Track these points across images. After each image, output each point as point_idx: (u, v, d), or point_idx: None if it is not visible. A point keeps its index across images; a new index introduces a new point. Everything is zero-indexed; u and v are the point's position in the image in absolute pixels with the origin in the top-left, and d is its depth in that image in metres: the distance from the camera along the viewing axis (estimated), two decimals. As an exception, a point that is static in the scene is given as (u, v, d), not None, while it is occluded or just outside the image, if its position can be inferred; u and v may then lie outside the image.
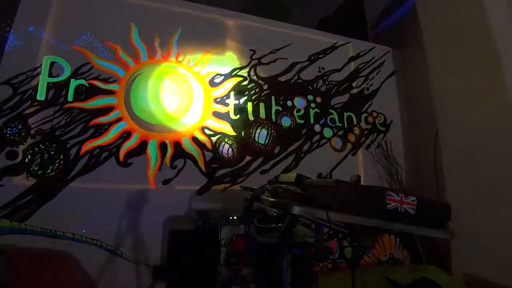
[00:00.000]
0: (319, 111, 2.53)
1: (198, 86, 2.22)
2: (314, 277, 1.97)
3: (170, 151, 2.02)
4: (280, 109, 2.41)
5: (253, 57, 2.44)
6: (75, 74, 1.94)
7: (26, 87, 1.81)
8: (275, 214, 0.99)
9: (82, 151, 1.83)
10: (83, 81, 1.94)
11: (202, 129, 2.14)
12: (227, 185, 2.12)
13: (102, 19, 2.09)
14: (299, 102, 2.49)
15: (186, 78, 2.21)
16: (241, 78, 2.36)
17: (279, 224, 0.94)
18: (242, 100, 2.31)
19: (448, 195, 1.98)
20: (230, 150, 2.17)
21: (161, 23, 2.23)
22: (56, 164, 1.77)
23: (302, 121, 2.45)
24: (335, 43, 2.77)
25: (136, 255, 1.83)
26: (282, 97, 2.44)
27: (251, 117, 2.30)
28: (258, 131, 2.28)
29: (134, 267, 1.82)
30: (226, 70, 2.34)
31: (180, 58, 2.22)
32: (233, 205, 1.99)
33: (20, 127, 1.74)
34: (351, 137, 2.58)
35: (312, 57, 2.64)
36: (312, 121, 2.48)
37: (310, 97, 2.54)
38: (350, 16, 3.06)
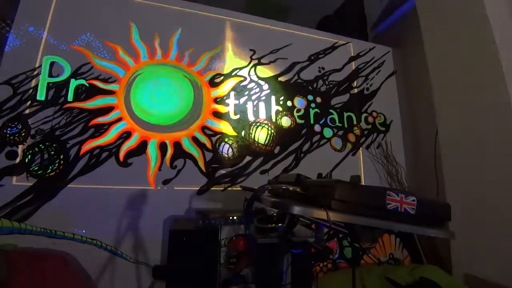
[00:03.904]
0: (319, 111, 2.53)
1: (198, 86, 2.22)
2: (314, 277, 1.97)
3: (170, 151, 2.02)
4: (280, 109, 2.41)
5: (253, 57, 2.44)
6: (75, 74, 1.94)
7: (26, 87, 1.81)
8: (275, 214, 0.99)
9: (82, 151, 1.83)
10: (83, 81, 1.94)
11: (202, 129, 2.14)
12: (227, 185, 2.12)
13: (102, 19, 2.09)
14: (299, 102, 2.49)
15: (186, 78, 2.21)
16: (241, 78, 2.37)
17: (279, 224, 0.94)
18: (242, 100, 2.32)
19: (448, 195, 1.97)
20: (230, 150, 2.18)
21: (161, 23, 2.23)
22: (56, 164, 1.77)
23: (302, 121, 2.45)
24: (335, 43, 2.77)
25: (136, 255, 1.83)
26: (282, 97, 2.45)
27: (251, 117, 2.30)
28: (258, 131, 2.28)
29: (134, 267, 1.82)
30: (226, 70, 2.34)
31: (180, 58, 2.22)
32: (233, 205, 2.00)
33: (20, 127, 1.74)
34: (351, 137, 2.58)
35: (312, 57, 2.64)
36: (312, 121, 2.48)
37: (310, 97, 2.54)
38: (350, 16, 3.05)
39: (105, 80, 1.99)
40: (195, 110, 2.16)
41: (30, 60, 1.85)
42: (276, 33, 2.59)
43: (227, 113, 2.24)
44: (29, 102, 1.80)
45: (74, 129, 1.85)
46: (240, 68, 2.39)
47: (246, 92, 2.35)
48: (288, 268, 0.94)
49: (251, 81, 2.39)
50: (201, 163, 2.08)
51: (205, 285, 1.68)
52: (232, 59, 2.38)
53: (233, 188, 2.12)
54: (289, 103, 2.45)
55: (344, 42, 2.80)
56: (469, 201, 1.78)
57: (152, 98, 2.08)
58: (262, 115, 2.34)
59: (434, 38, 2.16)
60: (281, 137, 2.34)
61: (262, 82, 2.42)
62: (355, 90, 2.73)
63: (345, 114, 2.62)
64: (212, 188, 2.08)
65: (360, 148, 2.59)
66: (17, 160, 1.71)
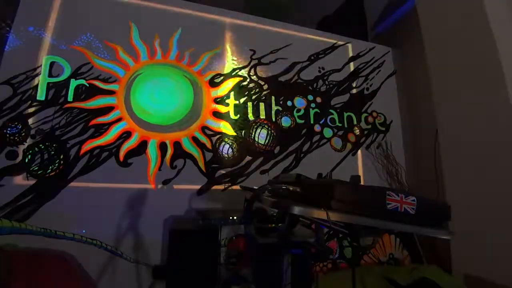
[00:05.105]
0: (319, 111, 2.53)
1: (198, 86, 2.22)
2: (314, 277, 1.97)
3: (170, 151, 2.02)
4: (280, 109, 2.41)
5: (253, 57, 2.44)
6: (75, 74, 1.94)
7: (26, 87, 1.81)
8: (275, 214, 0.99)
9: (82, 151, 1.83)
10: (83, 81, 1.94)
11: (202, 129, 2.14)
12: (227, 185, 2.12)
13: (102, 19, 2.09)
14: (299, 102, 2.49)
15: (186, 78, 2.21)
16: (241, 78, 2.37)
17: (279, 224, 0.94)
18: (242, 100, 2.32)
19: (448, 195, 1.97)
20: (230, 150, 2.17)
21: (161, 23, 2.23)
22: (56, 164, 1.77)
23: (302, 121, 2.45)
24: (335, 43, 2.77)
25: (136, 255, 1.83)
26: (282, 97, 2.44)
27: (251, 117, 2.30)
28: (258, 131, 2.28)
29: (134, 267, 1.82)
30: (226, 70, 2.34)
31: (180, 58, 2.22)
32: (233, 205, 2.00)
33: (20, 127, 1.74)
34: (351, 137, 2.58)
35: (312, 57, 2.64)
36: (312, 121, 2.48)
37: (310, 97, 2.54)
38: (350, 16, 3.05)
39: (105, 80, 1.99)
40: (195, 110, 2.16)
41: (30, 60, 1.85)
42: (276, 33, 2.59)
43: (227, 113, 2.24)
44: (29, 102, 1.80)
45: (74, 129, 1.85)
46: (240, 68, 2.39)
47: (246, 92, 2.35)
48: (288, 268, 0.94)
49: (251, 81, 2.39)
50: (201, 163, 2.08)
51: (205, 285, 1.68)
52: (232, 59, 2.38)
53: (233, 188, 2.12)
54: (289, 103, 2.45)
55: (344, 42, 2.80)
56: (469, 201, 1.78)
57: (152, 98, 2.08)
58: (262, 115, 2.34)
59: (434, 38, 2.16)
60: (281, 137, 2.34)
61: (262, 82, 2.42)
62: (355, 90, 2.73)
63: (345, 114, 2.62)
64: (212, 188, 2.08)
65: (360, 148, 2.59)
66: (17, 160, 1.71)
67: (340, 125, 2.57)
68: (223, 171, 2.13)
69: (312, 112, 2.50)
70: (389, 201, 0.65)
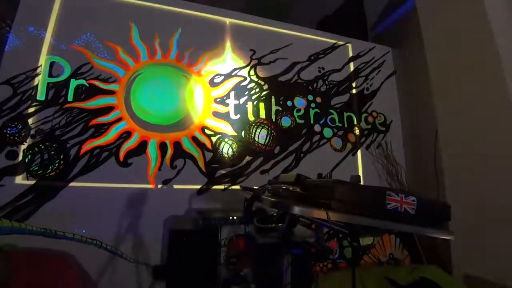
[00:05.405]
0: (319, 111, 2.53)
1: (198, 86, 2.22)
2: (314, 277, 1.97)
3: (170, 151, 2.02)
4: (280, 109, 2.41)
5: (253, 57, 2.44)
6: (75, 74, 1.94)
7: (26, 87, 1.81)
8: (275, 214, 0.99)
9: (82, 151, 1.83)
10: (83, 81, 1.94)
11: (202, 129, 2.14)
12: (227, 185, 2.12)
13: (102, 19, 2.09)
14: (299, 102, 2.49)
15: (186, 78, 2.21)
16: (241, 78, 2.37)
17: (279, 224, 0.94)
18: (242, 100, 2.32)
19: (448, 195, 1.97)
20: (230, 150, 2.17)
21: (161, 23, 2.23)
22: (56, 164, 1.77)
23: (302, 121, 2.45)
24: (335, 43, 2.77)
25: (136, 255, 1.83)
26: (282, 97, 2.44)
27: (251, 117, 2.30)
28: (258, 131, 2.28)
29: (134, 267, 1.82)
30: (226, 70, 2.34)
31: (180, 58, 2.22)
32: (233, 205, 2.00)
33: (20, 127, 1.74)
34: (351, 137, 2.58)
35: (312, 57, 2.64)
36: (312, 121, 2.48)
37: (310, 97, 2.54)
38: (350, 16, 3.05)
39: (105, 80, 1.99)
40: (195, 110, 2.16)
41: (30, 60, 1.85)
42: (276, 33, 2.59)
43: (227, 113, 2.24)
44: (29, 102, 1.80)
45: (74, 129, 1.85)
46: (240, 68, 2.39)
47: (246, 92, 2.35)
48: (288, 268, 0.94)
49: (251, 81, 2.39)
50: (201, 163, 2.08)
51: (205, 285, 1.68)
52: (232, 59, 2.38)
53: (233, 188, 2.12)
54: (289, 103, 2.45)
55: (344, 42, 2.80)
56: (469, 201, 1.78)
57: (152, 98, 2.08)
58: (262, 115, 2.34)
59: (434, 38, 2.15)
60: (281, 137, 2.34)
61: (262, 82, 2.42)
62: (355, 90, 2.73)
63: (345, 114, 2.62)
64: (212, 188, 2.08)
65: (360, 148, 2.59)
66: (17, 160, 1.71)
67: (340, 125, 2.57)
68: (223, 171, 2.13)
69: (312, 112, 2.50)
70: (389, 201, 0.65)
